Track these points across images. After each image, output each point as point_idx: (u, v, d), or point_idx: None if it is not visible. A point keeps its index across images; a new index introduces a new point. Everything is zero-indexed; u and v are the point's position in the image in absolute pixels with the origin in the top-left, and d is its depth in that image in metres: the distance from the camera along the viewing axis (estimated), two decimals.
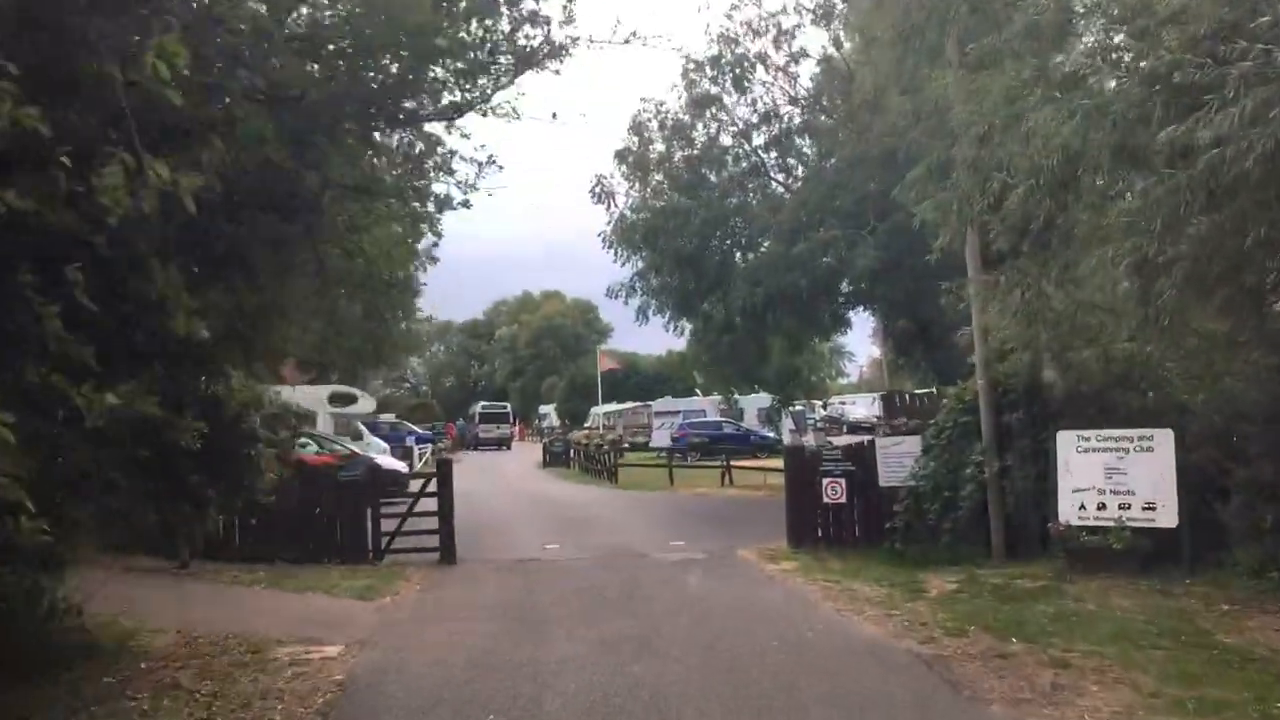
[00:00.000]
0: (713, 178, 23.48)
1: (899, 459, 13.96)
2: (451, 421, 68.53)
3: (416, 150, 7.69)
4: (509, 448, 58.11)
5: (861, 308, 26.25)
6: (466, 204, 8.19)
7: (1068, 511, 11.74)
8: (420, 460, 39.08)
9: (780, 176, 23.78)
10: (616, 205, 23.99)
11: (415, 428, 50.97)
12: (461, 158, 7.88)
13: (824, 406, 61.61)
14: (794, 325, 24.04)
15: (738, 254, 23.90)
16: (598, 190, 23.69)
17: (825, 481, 14.29)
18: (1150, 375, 12.32)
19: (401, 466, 24.27)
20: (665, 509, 22.16)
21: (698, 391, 52.52)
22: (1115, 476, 11.55)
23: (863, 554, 13.59)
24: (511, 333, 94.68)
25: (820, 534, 14.52)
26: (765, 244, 22.80)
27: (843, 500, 14.30)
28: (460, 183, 7.97)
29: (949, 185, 9.91)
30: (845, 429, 56.53)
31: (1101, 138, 7.70)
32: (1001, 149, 8.95)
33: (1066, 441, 11.88)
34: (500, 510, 21.82)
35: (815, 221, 20.85)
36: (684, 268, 23.32)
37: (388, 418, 54.02)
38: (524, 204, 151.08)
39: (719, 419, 45.21)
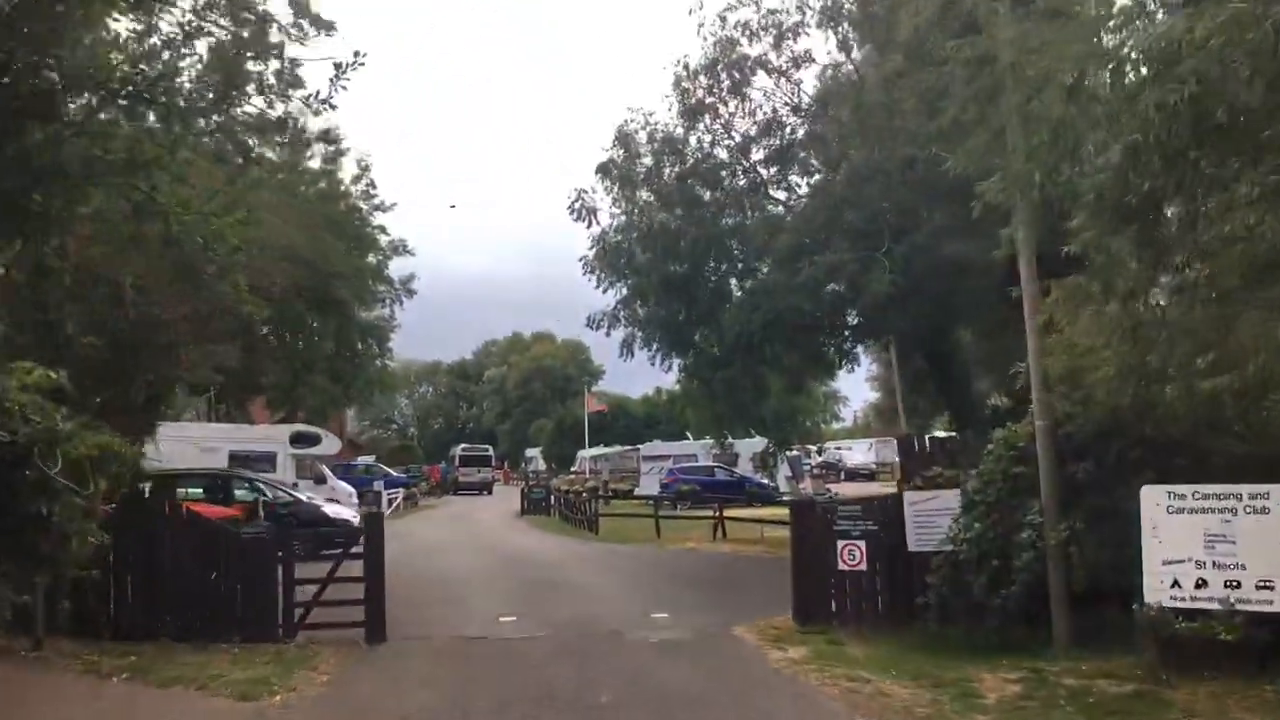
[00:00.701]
0: (706, 195, 21.03)
1: (932, 518, 11.39)
2: (436, 464, 65.75)
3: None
4: (490, 492, 55.43)
5: (871, 341, 23.75)
6: (329, 138, 5.76)
7: (1156, 589, 9.17)
8: (391, 508, 36.35)
9: (781, 195, 21.36)
10: (599, 222, 21.57)
11: (390, 470, 48.10)
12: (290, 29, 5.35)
13: (819, 452, 59.08)
14: (795, 360, 21.49)
15: (733, 280, 21.42)
16: (578, 206, 21.24)
17: (841, 544, 11.71)
18: (1248, 416, 9.85)
19: (351, 515, 21.47)
20: (649, 568, 19.49)
21: (688, 434, 49.62)
22: (1219, 546, 9.01)
23: (889, 636, 11.03)
24: (501, 374, 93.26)
25: (835, 608, 11.93)
26: (764, 269, 20.32)
27: (862, 567, 11.73)
28: (310, 97, 5.50)
29: (1029, 153, 7.42)
30: (843, 475, 54.24)
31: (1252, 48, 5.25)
32: (1094, 102, 6.52)
33: (1153, 499, 9.35)
34: (461, 567, 19.19)
35: (820, 242, 18.42)
36: (673, 295, 20.87)
37: (366, 459, 51.49)
38: (518, 244, 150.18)
39: (711, 464, 42.27)
